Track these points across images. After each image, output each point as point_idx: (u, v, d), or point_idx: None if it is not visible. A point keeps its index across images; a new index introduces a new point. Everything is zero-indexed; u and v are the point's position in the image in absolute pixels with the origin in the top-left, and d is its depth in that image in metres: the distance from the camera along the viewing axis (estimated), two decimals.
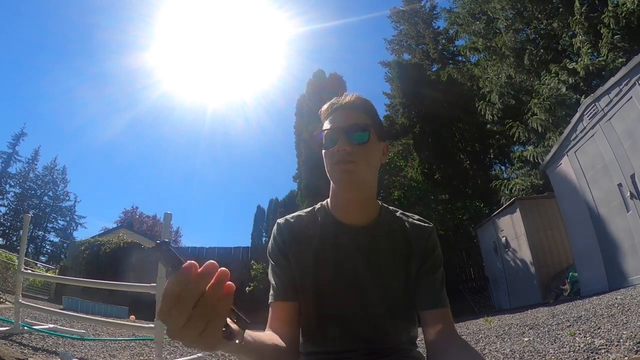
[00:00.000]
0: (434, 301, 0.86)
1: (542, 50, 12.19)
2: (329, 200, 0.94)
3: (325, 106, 0.92)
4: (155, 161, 58.59)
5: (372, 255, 0.87)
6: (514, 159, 13.29)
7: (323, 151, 0.87)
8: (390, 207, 0.96)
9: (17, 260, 5.95)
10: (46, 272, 12.81)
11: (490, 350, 2.77)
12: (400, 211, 0.96)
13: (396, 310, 0.87)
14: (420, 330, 0.92)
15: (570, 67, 10.22)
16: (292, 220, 0.92)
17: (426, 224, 0.93)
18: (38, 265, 17.05)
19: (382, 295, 0.85)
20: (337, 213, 0.90)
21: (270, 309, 0.85)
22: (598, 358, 2.01)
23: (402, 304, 0.87)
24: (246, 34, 44.72)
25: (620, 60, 8.87)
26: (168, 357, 3.22)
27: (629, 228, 4.91)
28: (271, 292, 0.87)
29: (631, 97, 4.67)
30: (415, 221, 0.93)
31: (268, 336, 0.73)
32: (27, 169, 32.43)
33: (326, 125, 0.89)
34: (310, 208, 0.95)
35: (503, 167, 16.20)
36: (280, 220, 0.93)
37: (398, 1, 24.92)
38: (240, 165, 58.53)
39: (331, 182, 0.89)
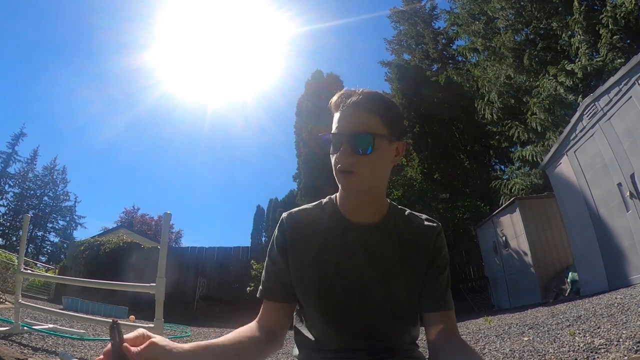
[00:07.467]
0: (438, 303, 0.85)
1: (541, 51, 12.18)
2: (337, 195, 0.91)
3: (335, 97, 0.85)
4: (155, 161, 58.55)
5: (377, 254, 0.85)
6: (513, 158, 13.29)
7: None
8: (399, 206, 0.93)
9: (16, 260, 5.96)
10: (46, 272, 12.80)
11: (490, 349, 2.77)
12: (408, 210, 0.93)
13: (398, 311, 0.86)
14: (422, 330, 0.92)
15: (569, 68, 10.22)
16: (296, 214, 0.90)
17: (434, 224, 0.91)
18: (38, 265, 17.06)
19: (385, 295, 0.84)
20: (344, 210, 0.88)
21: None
22: (598, 358, 2.01)
23: (404, 305, 0.86)
24: (246, 34, 44.80)
25: (619, 60, 8.85)
26: None
27: (629, 228, 4.91)
28: (260, 287, 0.89)
29: (631, 96, 4.67)
30: (423, 221, 0.91)
31: (229, 339, 0.74)
32: (26, 169, 32.41)
33: (334, 121, 0.84)
34: (318, 202, 0.93)
35: (503, 167, 16.21)
36: (284, 215, 0.91)
37: (398, 1, 24.96)
38: (240, 166, 58.47)
39: None
